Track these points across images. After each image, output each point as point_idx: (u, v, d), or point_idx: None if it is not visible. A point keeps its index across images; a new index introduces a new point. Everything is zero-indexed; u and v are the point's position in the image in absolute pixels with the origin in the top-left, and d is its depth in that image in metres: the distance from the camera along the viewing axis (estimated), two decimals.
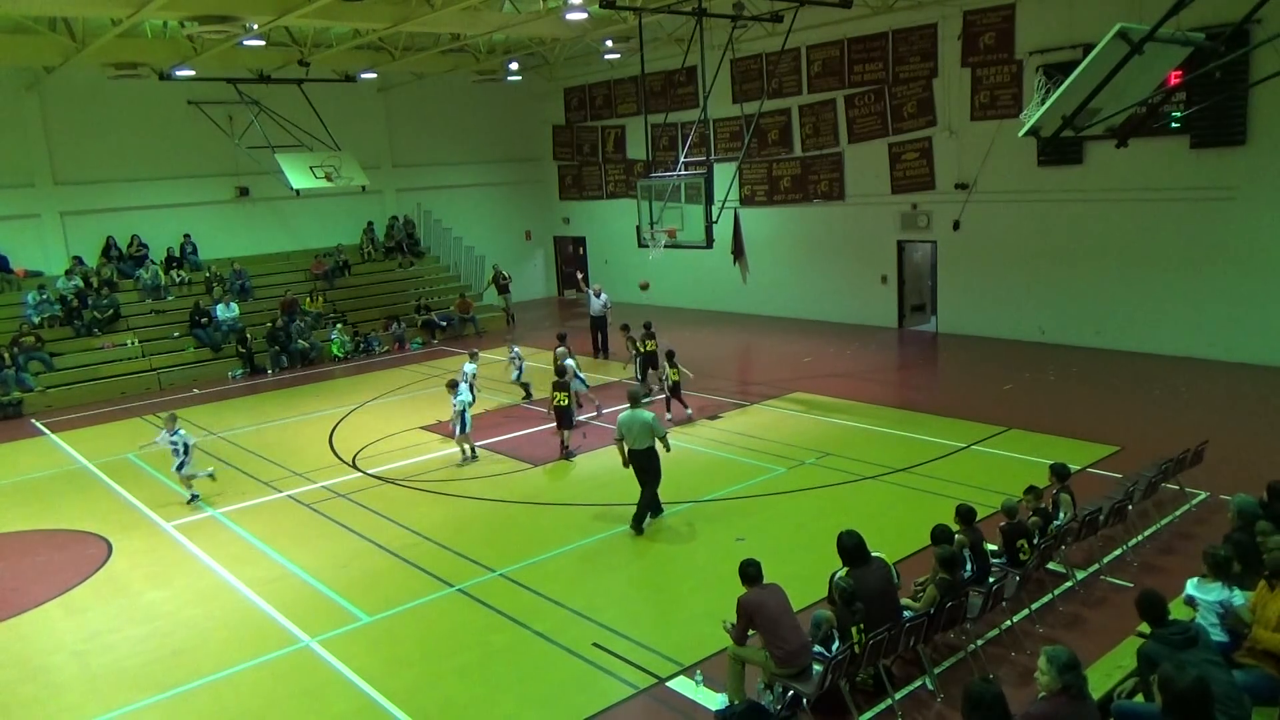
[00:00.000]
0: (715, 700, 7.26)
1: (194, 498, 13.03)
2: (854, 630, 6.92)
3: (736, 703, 6.94)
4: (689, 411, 15.69)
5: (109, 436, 17.19)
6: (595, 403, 16.68)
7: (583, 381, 16.55)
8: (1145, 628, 5.99)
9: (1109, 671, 6.44)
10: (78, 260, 22.96)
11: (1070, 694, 4.97)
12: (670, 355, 15.73)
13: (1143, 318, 18.26)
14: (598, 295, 21.39)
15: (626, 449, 11.16)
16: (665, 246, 17.88)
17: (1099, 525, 9.13)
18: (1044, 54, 18.28)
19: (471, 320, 26.10)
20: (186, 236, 24.72)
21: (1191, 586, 6.67)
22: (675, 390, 15.56)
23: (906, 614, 7.40)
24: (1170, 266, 17.72)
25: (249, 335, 22.61)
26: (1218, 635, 6.31)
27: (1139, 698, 5.80)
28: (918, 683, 7.46)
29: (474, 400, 15.04)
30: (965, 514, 8.43)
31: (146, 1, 15.49)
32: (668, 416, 15.54)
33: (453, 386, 14.28)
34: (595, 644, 8.39)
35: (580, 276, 24.69)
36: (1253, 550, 6.97)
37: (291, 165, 23.01)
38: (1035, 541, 8.60)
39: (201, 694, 8.02)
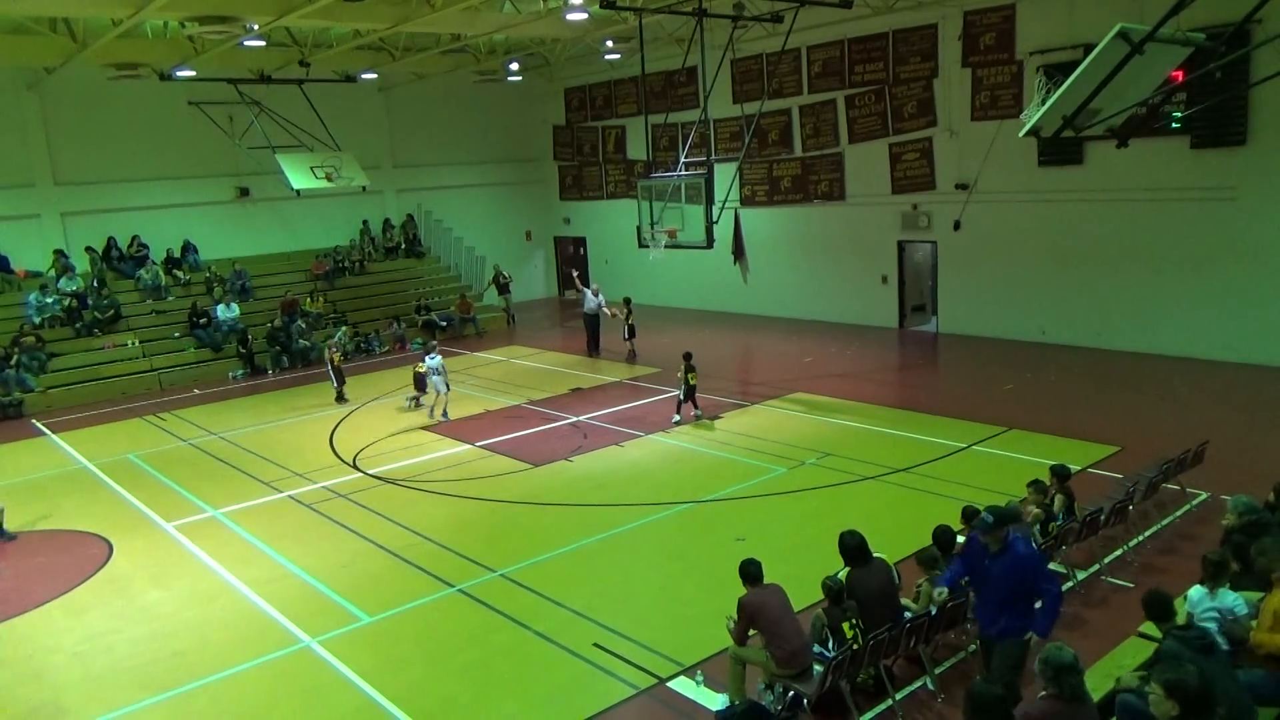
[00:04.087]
0: (716, 700, 7.26)
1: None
2: (845, 626, 6.93)
3: (737, 703, 6.94)
4: (696, 413, 15.57)
5: (110, 437, 17.19)
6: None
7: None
8: (1149, 627, 5.99)
9: (1109, 672, 6.43)
10: (59, 254, 22.63)
11: (1069, 695, 4.96)
12: (688, 357, 15.56)
13: (1143, 318, 18.25)
14: (595, 295, 21.61)
15: None
16: (666, 247, 17.90)
17: (1100, 525, 9.12)
18: (1044, 54, 18.27)
19: (472, 320, 26.10)
20: (187, 242, 24.74)
21: (1195, 594, 6.63)
22: (690, 394, 15.41)
23: (907, 614, 7.40)
24: (1170, 266, 17.72)
25: (250, 335, 22.61)
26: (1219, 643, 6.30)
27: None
28: (919, 683, 7.46)
29: None
30: (970, 516, 8.43)
31: (147, 2, 15.49)
32: (675, 418, 15.46)
33: None
34: (596, 644, 8.39)
35: (575, 275, 24.90)
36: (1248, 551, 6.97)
37: (292, 165, 22.98)
38: (1035, 542, 8.62)
39: (202, 694, 8.02)
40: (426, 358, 16.90)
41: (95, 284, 22.56)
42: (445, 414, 16.73)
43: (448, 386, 16.81)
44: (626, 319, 20.90)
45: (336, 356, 19.06)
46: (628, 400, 17.31)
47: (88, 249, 23.06)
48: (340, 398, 18.63)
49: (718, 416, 15.72)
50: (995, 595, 6.53)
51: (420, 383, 17.32)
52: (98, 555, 11.37)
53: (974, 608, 7.09)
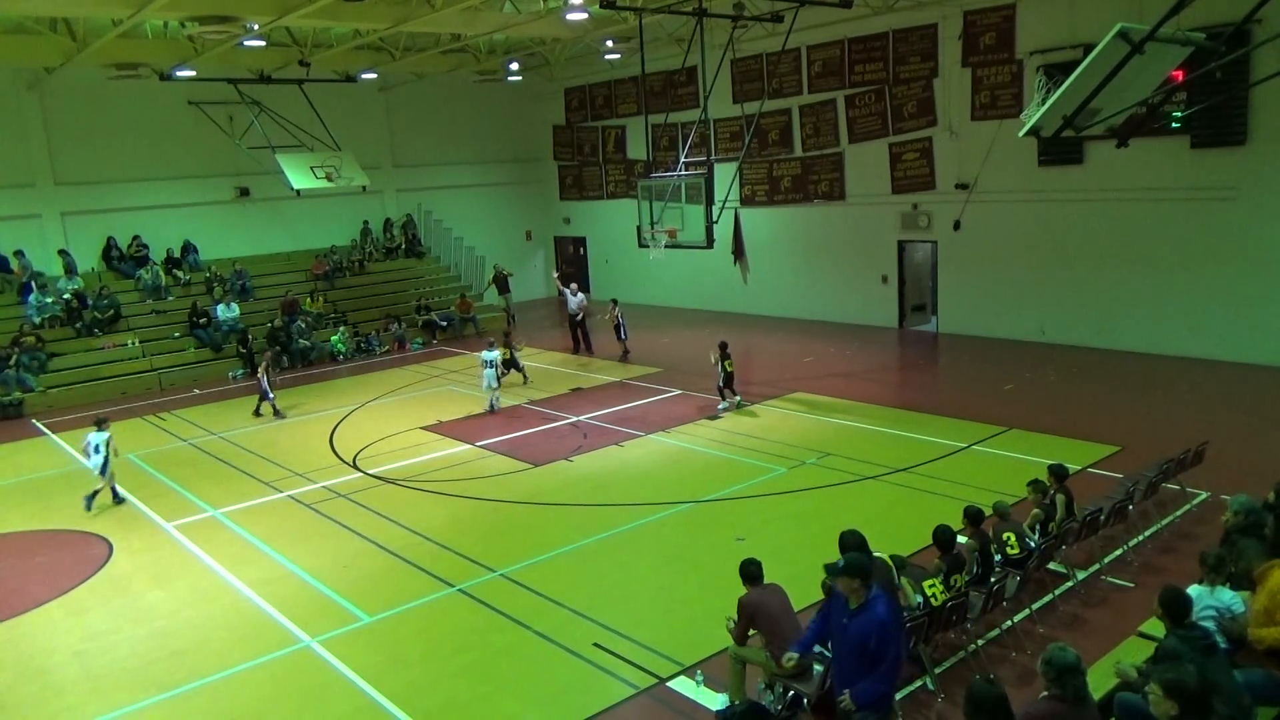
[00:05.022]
0: (716, 700, 7.26)
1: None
2: None
3: (737, 703, 6.92)
4: (736, 399, 16.16)
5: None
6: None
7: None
8: (1150, 626, 5.98)
9: (1110, 672, 6.42)
10: (18, 255, 22.19)
11: (1071, 696, 4.95)
12: (723, 347, 16.11)
13: (1143, 318, 18.26)
14: (575, 294, 22.02)
15: None
16: (666, 247, 17.91)
17: (1100, 525, 9.12)
18: (1044, 54, 18.28)
19: (472, 320, 26.11)
20: (187, 242, 24.74)
21: (1193, 593, 6.64)
22: (728, 380, 16.01)
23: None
24: (1171, 266, 17.72)
25: (250, 335, 22.61)
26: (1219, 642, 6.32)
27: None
28: (918, 683, 7.46)
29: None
30: (973, 516, 8.45)
31: (147, 2, 15.50)
32: (722, 405, 15.97)
33: None
34: (596, 644, 8.39)
35: (555, 276, 25.18)
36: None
37: (292, 165, 23.00)
38: (1034, 540, 8.62)
39: (202, 694, 8.02)
40: (483, 352, 17.44)
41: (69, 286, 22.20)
42: (494, 404, 17.11)
43: (498, 382, 17.28)
44: (616, 319, 21.07)
45: (266, 371, 18.01)
46: (628, 400, 17.31)
47: (60, 251, 22.73)
48: (267, 413, 17.75)
49: (717, 416, 15.73)
50: (851, 660, 5.73)
51: (513, 364, 18.63)
52: (98, 555, 11.36)
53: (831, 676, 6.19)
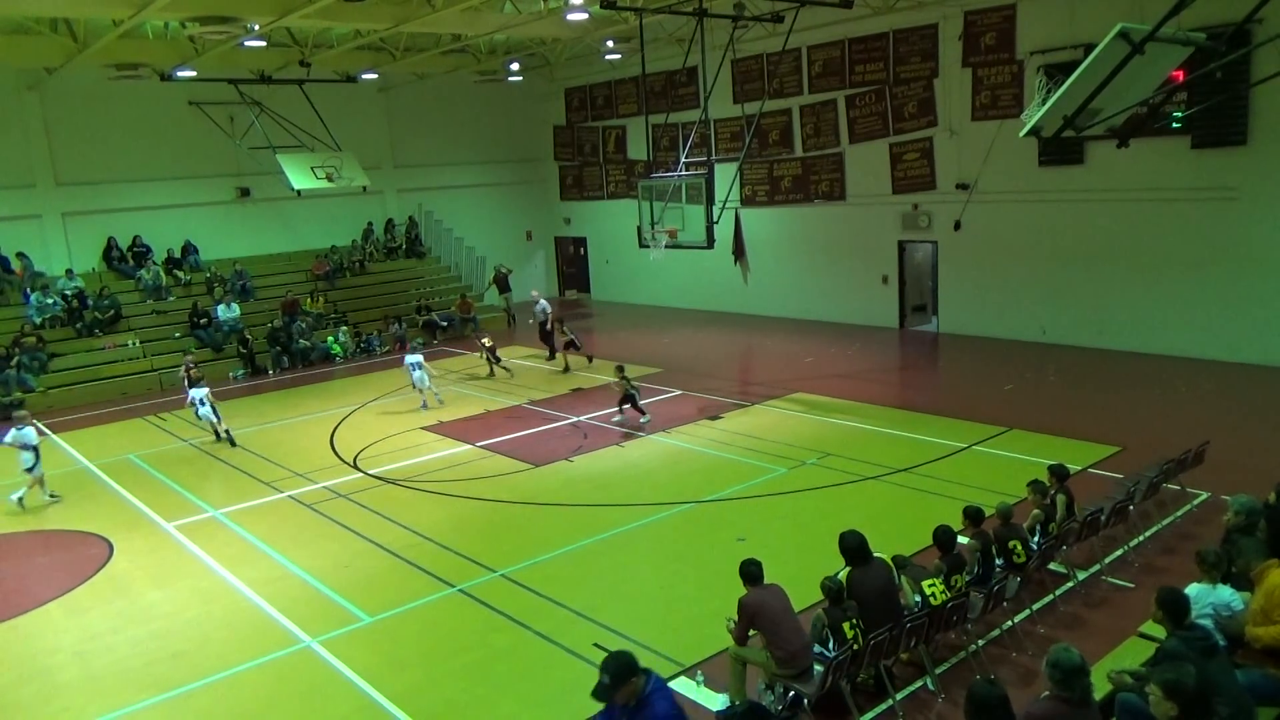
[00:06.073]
0: (716, 701, 7.26)
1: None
2: (846, 626, 6.92)
3: (737, 703, 6.92)
4: (644, 418, 15.55)
5: (110, 437, 17.19)
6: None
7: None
8: (1150, 627, 5.97)
9: (1109, 672, 6.41)
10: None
11: (1078, 698, 4.94)
12: (619, 369, 16.02)
13: (1143, 318, 18.25)
14: (536, 303, 21.50)
15: None
16: (666, 247, 17.90)
17: (1100, 525, 9.12)
18: (1045, 54, 18.27)
19: (472, 320, 26.10)
20: (188, 242, 24.75)
21: (1193, 592, 6.64)
22: (629, 400, 15.60)
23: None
24: (1171, 266, 17.71)
25: (250, 336, 22.62)
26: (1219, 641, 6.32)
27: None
28: (919, 683, 7.46)
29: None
30: (974, 515, 8.43)
31: (148, 2, 15.51)
32: (617, 418, 15.71)
33: None
34: (596, 644, 8.38)
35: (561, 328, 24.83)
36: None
37: (292, 165, 23.01)
38: (1035, 541, 8.61)
39: (202, 694, 8.02)
40: (407, 355, 18.23)
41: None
42: (425, 405, 17.67)
43: (428, 380, 17.76)
44: (563, 332, 20.39)
45: (194, 373, 17.33)
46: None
47: (19, 254, 22.34)
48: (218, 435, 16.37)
49: (717, 417, 15.73)
50: None
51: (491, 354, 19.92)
52: (98, 555, 11.37)
53: None
